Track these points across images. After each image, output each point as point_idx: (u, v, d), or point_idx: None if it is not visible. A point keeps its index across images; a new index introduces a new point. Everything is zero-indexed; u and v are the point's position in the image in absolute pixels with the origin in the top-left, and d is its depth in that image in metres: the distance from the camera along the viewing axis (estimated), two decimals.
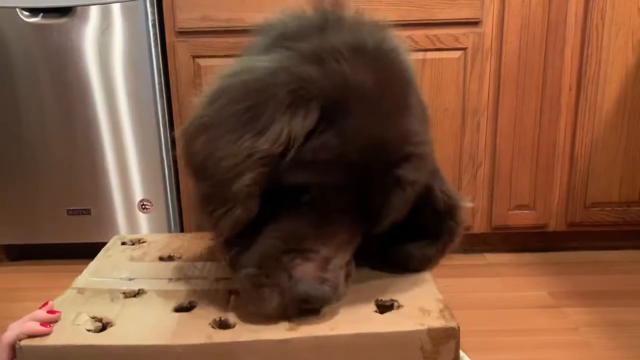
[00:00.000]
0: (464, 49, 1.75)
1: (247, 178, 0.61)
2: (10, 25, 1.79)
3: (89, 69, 1.81)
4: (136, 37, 1.78)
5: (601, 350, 1.40)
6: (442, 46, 1.74)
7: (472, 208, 1.87)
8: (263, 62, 0.67)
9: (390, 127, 0.63)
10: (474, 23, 1.74)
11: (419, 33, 1.73)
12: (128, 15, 1.77)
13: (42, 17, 1.78)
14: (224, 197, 0.62)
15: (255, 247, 0.64)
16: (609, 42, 1.73)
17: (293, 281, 0.60)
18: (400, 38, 0.75)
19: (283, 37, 0.71)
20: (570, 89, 1.78)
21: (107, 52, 1.79)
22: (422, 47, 1.74)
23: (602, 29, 1.72)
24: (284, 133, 0.60)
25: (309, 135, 0.61)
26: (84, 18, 1.77)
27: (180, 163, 1.70)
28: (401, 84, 0.68)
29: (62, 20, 1.78)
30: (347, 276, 0.66)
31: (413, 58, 0.75)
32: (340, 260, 0.64)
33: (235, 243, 0.66)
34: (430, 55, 1.74)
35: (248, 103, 0.63)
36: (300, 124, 0.61)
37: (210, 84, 0.69)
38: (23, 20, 1.78)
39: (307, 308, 0.61)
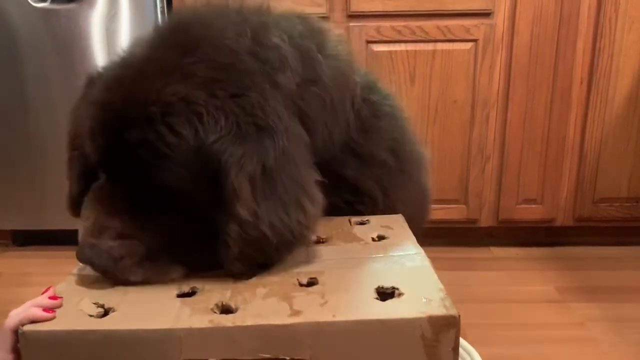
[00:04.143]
0: (475, 40, 1.73)
1: None
2: (19, 11, 1.79)
3: (97, 55, 1.81)
4: (144, 24, 1.77)
5: (607, 345, 1.39)
6: (453, 37, 1.73)
7: (480, 200, 1.86)
8: None
9: (126, 91, 0.67)
10: (485, 14, 1.72)
11: (429, 24, 1.71)
12: (136, 2, 1.76)
13: (51, 2, 1.78)
14: None
15: None
16: (621, 36, 1.71)
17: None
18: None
19: None
20: (582, 82, 1.76)
21: (115, 38, 1.79)
22: (433, 38, 1.72)
23: (615, 22, 1.70)
24: None
25: None
26: (92, 4, 1.77)
27: None
28: (178, 53, 0.68)
29: (70, 6, 1.77)
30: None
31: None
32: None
33: None
34: (440, 46, 1.73)
35: None
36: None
37: None
38: (31, 5, 1.78)
39: None
